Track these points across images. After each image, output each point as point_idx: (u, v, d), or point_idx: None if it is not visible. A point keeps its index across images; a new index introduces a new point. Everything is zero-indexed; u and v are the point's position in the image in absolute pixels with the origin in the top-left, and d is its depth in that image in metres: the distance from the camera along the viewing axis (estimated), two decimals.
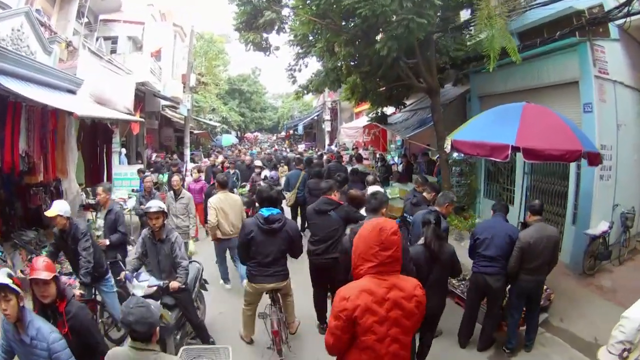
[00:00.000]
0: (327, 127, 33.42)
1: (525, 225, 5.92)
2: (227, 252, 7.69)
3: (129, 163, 16.57)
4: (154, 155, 18.99)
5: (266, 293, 5.39)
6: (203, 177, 12.30)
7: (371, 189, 6.34)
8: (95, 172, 10.82)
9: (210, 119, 33.01)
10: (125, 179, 13.95)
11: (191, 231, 8.22)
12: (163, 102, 20.82)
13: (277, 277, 5.24)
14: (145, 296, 4.58)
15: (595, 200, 7.30)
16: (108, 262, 6.00)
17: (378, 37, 8.63)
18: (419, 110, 13.48)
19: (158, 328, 2.85)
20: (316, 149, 30.82)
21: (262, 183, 9.83)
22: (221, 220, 7.14)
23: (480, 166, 10.76)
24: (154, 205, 5.23)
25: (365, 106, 24.00)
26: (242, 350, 5.48)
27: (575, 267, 7.43)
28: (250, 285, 5.32)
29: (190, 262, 5.61)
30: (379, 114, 14.31)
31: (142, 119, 16.12)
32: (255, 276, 5.22)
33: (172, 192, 8.39)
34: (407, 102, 13.94)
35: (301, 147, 32.15)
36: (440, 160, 10.59)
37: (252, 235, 5.09)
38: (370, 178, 8.40)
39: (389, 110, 15.21)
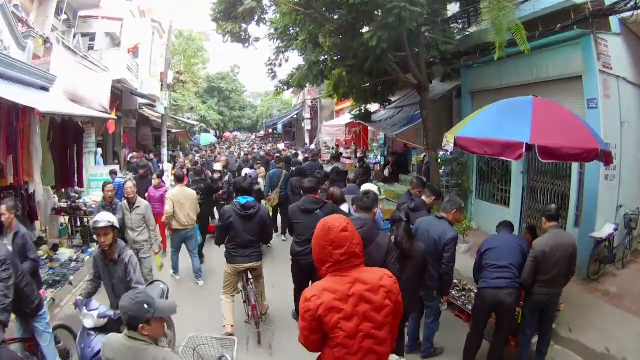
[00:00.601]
0: (307, 125, 33.07)
1: (532, 230, 5.58)
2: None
3: (105, 163, 15.90)
4: (130, 155, 18.35)
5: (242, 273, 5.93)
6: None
7: (365, 188, 6.13)
8: (67, 175, 10.10)
9: (189, 118, 32.25)
10: (101, 180, 13.19)
11: (155, 245, 7.17)
12: (140, 101, 20.16)
13: (253, 257, 5.84)
14: (96, 329, 4.14)
15: (600, 202, 6.91)
16: None
17: (364, 30, 8.19)
18: (405, 107, 13.07)
19: (150, 324, 2.83)
20: (295, 148, 30.40)
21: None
22: (177, 210, 7.72)
23: (472, 165, 10.40)
24: (102, 219, 4.42)
25: (347, 104, 23.86)
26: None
27: (579, 272, 6.87)
28: (230, 267, 5.85)
29: (151, 282, 5.25)
30: (363, 111, 13.90)
31: (116, 117, 15.38)
32: (235, 257, 5.80)
33: (125, 201, 7.13)
34: (393, 99, 13.59)
35: (281, 146, 31.35)
36: (429, 159, 10.19)
37: (231, 220, 5.71)
38: (352, 176, 8.49)
39: (373, 107, 14.81)
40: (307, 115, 33.01)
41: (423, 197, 6.10)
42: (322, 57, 9.92)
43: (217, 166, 11.60)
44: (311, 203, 5.83)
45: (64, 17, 15.09)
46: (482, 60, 9.45)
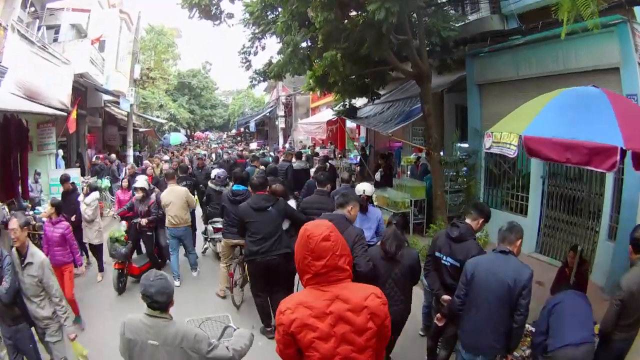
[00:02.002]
0: (281, 123, 32.04)
1: (576, 249, 4.84)
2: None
3: (67, 166, 14.60)
4: (94, 156, 17.05)
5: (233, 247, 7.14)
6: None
7: (361, 187, 6.07)
8: (9, 183, 8.98)
9: (158, 116, 30.72)
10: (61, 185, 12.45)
11: (67, 322, 4.69)
12: (106, 97, 18.72)
13: (239, 235, 6.33)
14: None
15: None
16: None
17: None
18: (397, 102, 12.08)
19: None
20: (268, 147, 29.41)
21: (210, 184, 9.19)
22: (167, 210, 7.84)
23: (480, 168, 9.40)
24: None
25: (325, 100, 23.40)
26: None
27: (613, 290, 6.24)
28: (225, 241, 7.13)
29: None
30: (347, 106, 12.81)
31: (68, 114, 13.60)
32: (227, 234, 7.02)
33: (15, 251, 4.52)
34: (381, 93, 12.57)
35: (253, 145, 30.63)
36: (429, 160, 9.27)
37: (224, 204, 7.06)
38: (345, 176, 8.07)
39: (357, 102, 13.72)
40: (281, 112, 31.92)
41: (468, 220, 4.50)
42: (308, 40, 8.84)
43: (141, 182, 8.13)
44: (263, 200, 5.84)
45: (31, 9, 14.00)
46: (497, 47, 8.61)
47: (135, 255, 8.30)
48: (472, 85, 9.67)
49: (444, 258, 4.41)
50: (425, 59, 8.58)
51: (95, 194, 8.16)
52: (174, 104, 38.09)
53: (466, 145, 10.01)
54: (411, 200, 9.61)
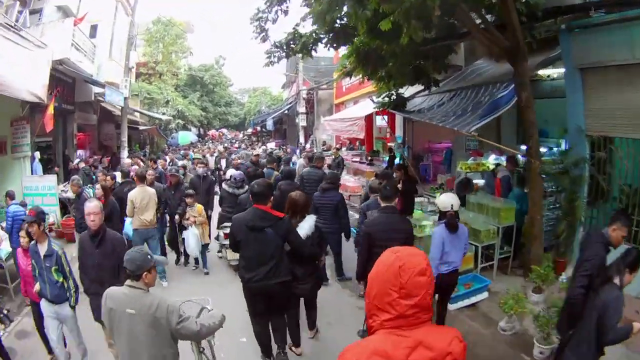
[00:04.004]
0: (302, 121, 29.74)
1: None
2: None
3: (45, 171, 12.72)
4: (78, 159, 14.81)
5: None
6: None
7: (447, 200, 5.40)
8: None
9: (164, 113, 28.77)
10: (36, 195, 10.99)
11: None
12: (98, 90, 16.54)
13: None
14: None
15: None
16: None
17: None
18: (460, 91, 9.75)
19: (153, 272, 3.47)
20: (285, 147, 27.43)
21: (224, 186, 9.28)
22: (138, 211, 7.90)
23: (583, 182, 7.36)
24: None
25: (351, 95, 21.63)
26: None
27: None
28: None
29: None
30: (394, 96, 10.53)
31: (44, 109, 11.91)
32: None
33: None
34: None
35: (271, 145, 28.90)
36: (530, 170, 7.21)
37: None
38: (375, 185, 7.44)
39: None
40: (301, 109, 29.55)
41: (612, 232, 4.08)
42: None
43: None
44: (259, 218, 4.88)
45: None
46: (605, 19, 6.66)
47: None
48: (571, 70, 7.52)
49: None
50: (519, 28, 6.77)
51: None
52: (184, 100, 36.19)
53: (523, 147, 8.25)
54: (498, 228, 7.42)
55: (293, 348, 5.58)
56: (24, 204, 8.72)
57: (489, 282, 7.00)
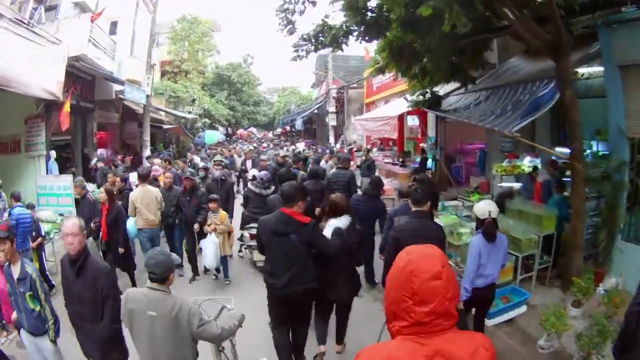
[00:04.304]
0: (332, 120, 29.14)
1: None
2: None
3: (63, 170, 12.38)
4: (96, 159, 14.43)
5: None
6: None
7: (484, 206, 4.99)
8: None
9: (190, 112, 28.49)
10: (51, 195, 10.53)
11: None
12: (118, 88, 16.17)
13: None
14: None
15: None
16: None
17: None
18: (497, 90, 9.04)
19: (174, 272, 3.50)
20: (315, 148, 26.60)
21: (250, 186, 9.13)
22: (142, 210, 7.90)
23: (624, 187, 6.76)
24: None
25: (382, 94, 21.02)
26: None
27: None
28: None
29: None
30: (428, 94, 9.89)
31: (60, 107, 11.57)
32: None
33: None
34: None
35: (300, 145, 28.13)
36: (573, 174, 6.57)
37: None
38: (403, 189, 7.27)
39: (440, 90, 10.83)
40: (331, 108, 29.11)
41: None
42: None
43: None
44: (283, 224, 4.61)
45: None
46: None
47: None
48: (610, 67, 6.96)
49: None
50: (559, 19, 6.24)
51: None
52: (211, 99, 35.90)
53: (566, 150, 7.73)
54: (538, 237, 6.90)
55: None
56: (31, 206, 8.29)
57: (529, 295, 6.56)
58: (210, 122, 32.20)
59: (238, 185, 15.93)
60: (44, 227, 8.31)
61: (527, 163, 9.40)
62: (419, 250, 1.80)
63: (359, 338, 5.69)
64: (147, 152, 16.64)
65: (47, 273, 7.75)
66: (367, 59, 29.65)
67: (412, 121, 14.95)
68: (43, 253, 7.92)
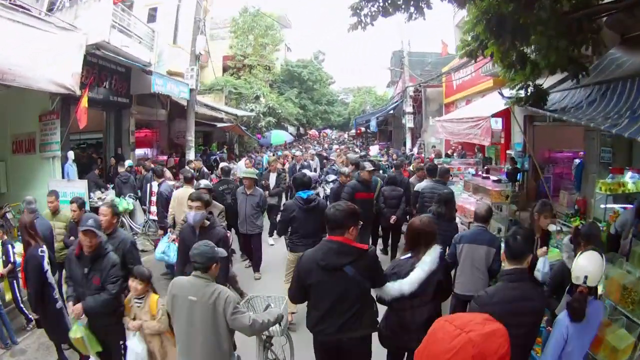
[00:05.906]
0: (408, 122, 26.88)
1: None
2: None
3: (80, 175, 11.33)
4: (129, 161, 13.12)
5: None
6: None
7: (583, 265, 3.61)
8: None
9: (252, 110, 27.22)
10: (62, 202, 8.97)
11: None
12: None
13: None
14: None
15: None
16: None
17: None
18: (615, 84, 6.74)
19: (218, 264, 3.82)
20: (391, 152, 24.43)
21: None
22: (180, 210, 7.80)
23: None
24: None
25: (463, 92, 18.68)
26: None
27: None
28: (292, 255, 6.65)
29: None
30: (530, 88, 7.69)
31: (77, 101, 10.38)
32: (298, 246, 6.47)
33: None
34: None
35: (374, 149, 26.29)
36: None
37: (294, 214, 6.56)
38: (482, 212, 5.64)
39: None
40: (408, 108, 26.73)
41: None
42: None
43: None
44: (336, 255, 3.71)
45: None
46: None
47: None
48: None
49: None
50: None
51: None
52: (280, 97, 34.81)
53: None
54: None
55: None
56: (32, 211, 7.03)
57: None
58: (275, 120, 30.90)
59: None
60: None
61: (628, 179, 7.14)
62: (476, 326, 1.81)
63: None
64: (191, 154, 15.25)
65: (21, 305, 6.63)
66: (444, 54, 27.28)
67: (496, 124, 12.43)
68: (15, 282, 6.57)
